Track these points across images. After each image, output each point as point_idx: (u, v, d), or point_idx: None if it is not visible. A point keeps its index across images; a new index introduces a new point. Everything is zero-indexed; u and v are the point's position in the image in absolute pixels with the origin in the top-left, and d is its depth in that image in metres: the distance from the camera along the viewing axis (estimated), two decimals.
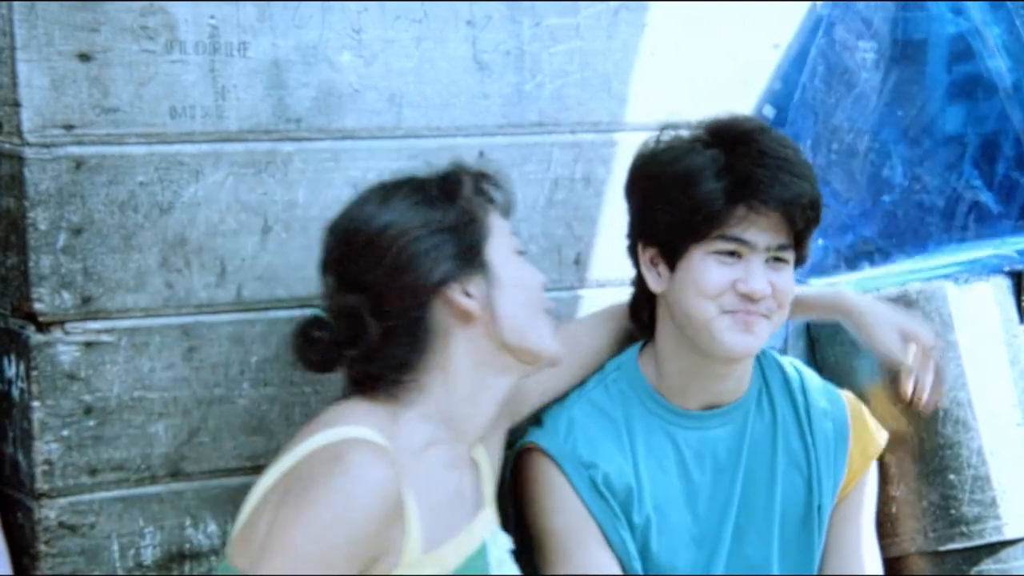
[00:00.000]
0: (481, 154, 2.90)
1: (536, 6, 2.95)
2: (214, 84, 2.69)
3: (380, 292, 2.49)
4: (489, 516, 2.67)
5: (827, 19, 3.27)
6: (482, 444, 2.68)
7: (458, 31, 2.88)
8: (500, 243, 2.57)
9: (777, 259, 2.71)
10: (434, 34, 2.86)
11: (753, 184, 2.65)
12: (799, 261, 2.78)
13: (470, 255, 2.52)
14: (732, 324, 2.69)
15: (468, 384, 2.55)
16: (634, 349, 2.87)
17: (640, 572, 2.75)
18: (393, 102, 2.84)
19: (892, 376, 3.08)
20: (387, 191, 2.56)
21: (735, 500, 2.81)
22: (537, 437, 2.78)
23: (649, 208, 2.74)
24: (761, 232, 2.68)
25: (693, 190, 2.66)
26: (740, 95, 3.22)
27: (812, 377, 2.97)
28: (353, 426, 2.46)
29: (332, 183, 2.80)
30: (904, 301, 3.19)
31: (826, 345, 3.28)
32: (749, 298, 2.67)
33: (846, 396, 2.99)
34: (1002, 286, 3.29)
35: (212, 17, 2.68)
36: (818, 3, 3.27)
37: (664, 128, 2.80)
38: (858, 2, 3.30)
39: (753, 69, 3.23)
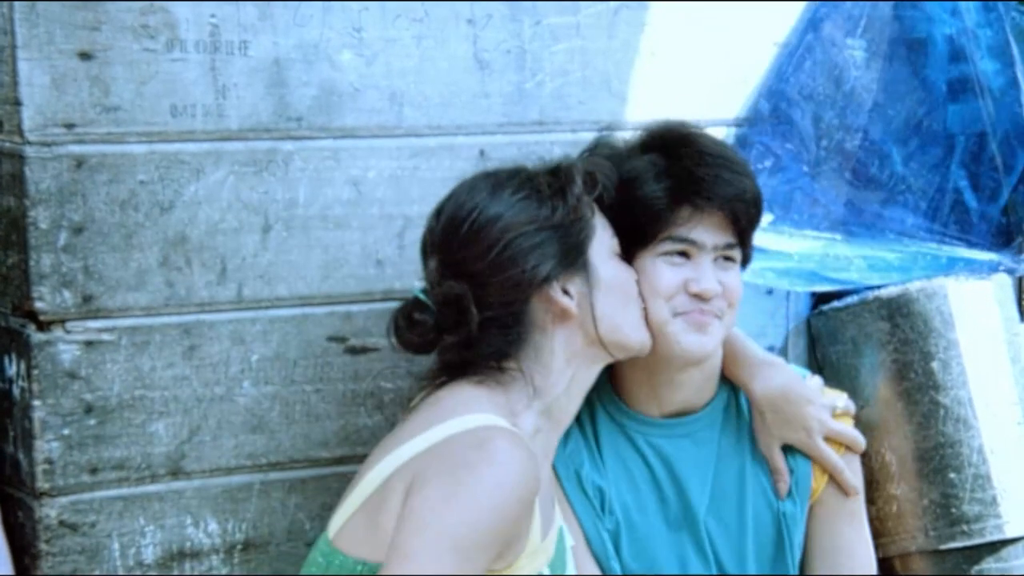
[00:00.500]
0: (482, 153, 2.90)
1: (537, 5, 2.95)
2: (215, 83, 2.69)
3: (483, 282, 2.52)
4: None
5: (818, 16, 3.27)
6: None
7: (459, 30, 2.88)
8: (601, 243, 2.60)
9: (725, 258, 2.73)
10: (435, 33, 2.86)
11: (695, 183, 2.67)
12: (744, 261, 2.79)
13: (573, 255, 2.55)
14: (686, 326, 2.70)
15: (563, 376, 2.58)
16: None
17: (619, 572, 2.76)
18: (394, 101, 2.84)
19: (894, 375, 3.08)
20: (498, 181, 2.58)
21: (704, 508, 2.81)
22: None
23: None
24: (708, 231, 2.69)
25: (637, 194, 2.68)
26: (740, 94, 3.22)
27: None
28: (483, 414, 2.47)
29: (333, 182, 2.80)
30: (904, 299, 3.19)
31: (827, 344, 3.28)
32: (700, 298, 2.69)
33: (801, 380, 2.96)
34: (1003, 284, 3.29)
35: (213, 16, 2.68)
36: (816, 1, 3.27)
37: (598, 140, 2.82)
38: (850, 0, 3.30)
39: (753, 68, 3.23)
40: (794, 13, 3.28)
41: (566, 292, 2.56)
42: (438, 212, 2.60)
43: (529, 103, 2.97)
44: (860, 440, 2.88)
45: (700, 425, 2.82)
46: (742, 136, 3.23)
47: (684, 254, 2.70)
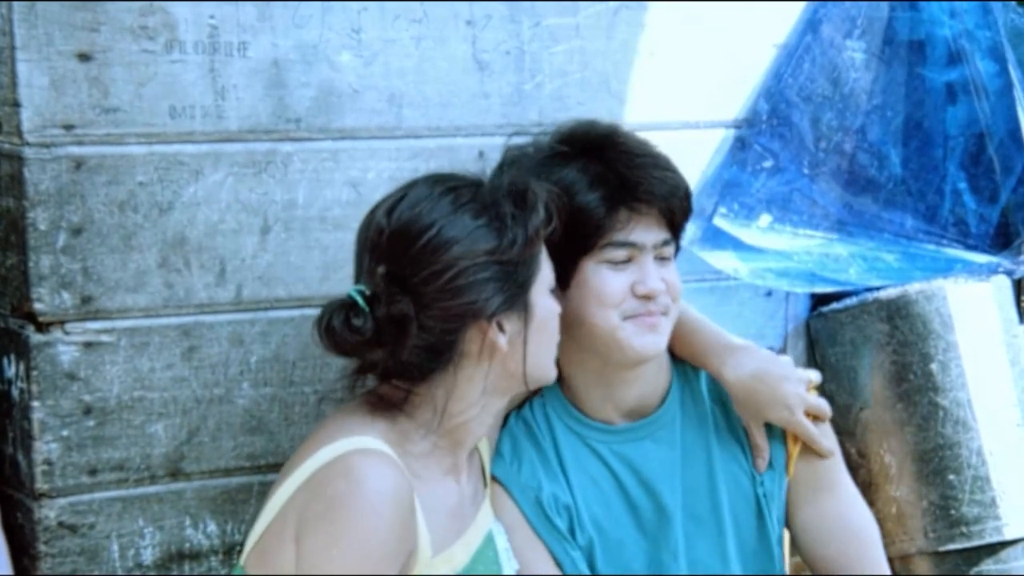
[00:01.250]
0: (481, 154, 2.90)
1: (536, 6, 2.95)
2: (214, 84, 2.69)
3: (426, 304, 2.45)
4: (488, 507, 2.69)
5: (817, 17, 3.28)
6: None
7: (458, 31, 2.88)
8: (543, 280, 2.56)
9: (662, 257, 2.72)
10: (434, 34, 2.86)
11: (631, 186, 2.66)
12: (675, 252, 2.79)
13: (517, 294, 2.51)
14: (636, 328, 2.69)
15: (473, 406, 2.55)
16: None
17: None
18: (393, 102, 2.84)
19: (893, 376, 3.08)
20: (459, 198, 2.50)
21: (679, 509, 2.81)
22: (493, 466, 2.77)
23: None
24: (646, 231, 2.69)
25: (573, 203, 2.64)
26: (738, 95, 3.22)
27: None
28: (355, 436, 2.45)
29: (332, 183, 2.80)
30: (903, 301, 3.19)
31: (826, 346, 3.29)
32: (647, 298, 2.68)
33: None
34: (1002, 286, 3.29)
35: (212, 17, 2.68)
36: (816, 1, 3.27)
37: (508, 146, 2.78)
38: (847, 1, 3.30)
39: (751, 70, 3.24)
40: (793, 14, 3.28)
41: (501, 328, 2.51)
42: (389, 211, 2.51)
43: (528, 104, 2.97)
44: (827, 409, 2.86)
45: (660, 423, 2.81)
46: (741, 137, 3.23)
47: (627, 259, 2.69)
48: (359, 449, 2.42)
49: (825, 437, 2.86)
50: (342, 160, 2.81)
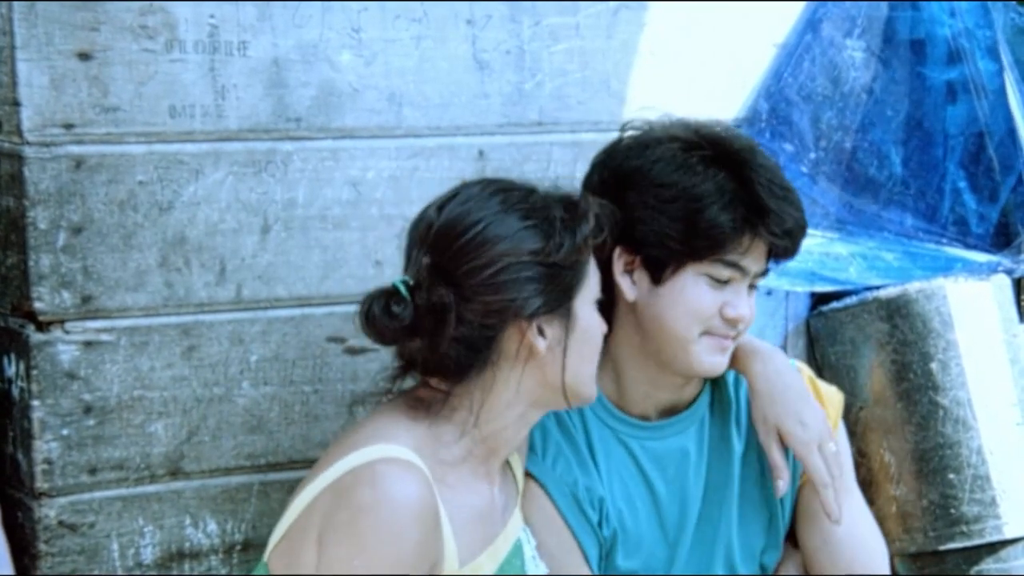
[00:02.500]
0: (481, 153, 2.90)
1: (536, 5, 2.95)
2: (214, 83, 2.69)
3: (468, 297, 2.46)
4: (519, 513, 2.68)
5: (817, 17, 3.28)
6: None
7: (458, 30, 2.88)
8: (588, 290, 2.55)
9: (752, 285, 2.72)
10: (434, 33, 2.86)
11: (764, 215, 2.64)
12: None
13: (560, 298, 2.50)
14: (711, 346, 2.69)
15: (509, 412, 2.54)
16: None
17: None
18: (393, 101, 2.84)
19: (893, 375, 3.08)
20: (509, 199, 2.51)
21: (697, 503, 2.81)
22: (525, 461, 2.77)
23: (641, 218, 2.69)
24: (756, 260, 2.68)
25: (702, 215, 2.63)
26: (739, 95, 3.23)
27: None
28: (384, 444, 2.44)
29: (332, 182, 2.80)
30: (903, 300, 3.19)
31: (826, 345, 3.29)
32: (734, 322, 2.68)
33: (801, 377, 2.88)
34: (1002, 285, 3.29)
35: (212, 16, 2.68)
36: (816, 0, 3.27)
37: (627, 126, 2.76)
38: (848, 1, 3.30)
39: (752, 69, 3.24)
40: (793, 14, 3.28)
41: (541, 332, 2.50)
42: (440, 207, 2.54)
43: (528, 103, 2.97)
44: (827, 477, 2.78)
45: (690, 421, 2.81)
46: None
47: (728, 278, 2.68)
48: (386, 458, 2.42)
49: (841, 447, 2.85)
50: (342, 159, 2.81)
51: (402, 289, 2.48)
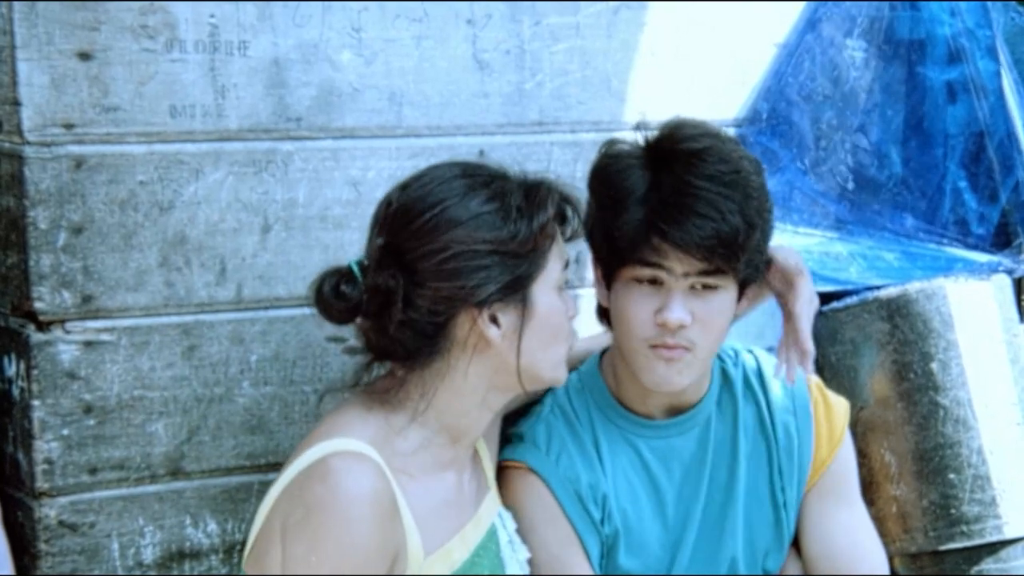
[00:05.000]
0: (481, 153, 2.90)
1: (536, 5, 2.95)
2: (214, 83, 2.69)
3: (419, 282, 2.44)
4: (493, 500, 2.68)
5: (817, 17, 3.28)
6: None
7: (458, 30, 2.89)
8: (548, 275, 2.51)
9: (705, 286, 2.62)
10: (434, 33, 2.86)
11: (667, 219, 2.57)
12: (746, 283, 2.69)
13: (516, 287, 2.48)
14: (654, 358, 2.64)
15: (469, 399, 2.53)
16: (594, 357, 2.85)
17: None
18: (393, 101, 2.84)
19: (893, 375, 3.08)
20: (473, 184, 2.48)
21: (700, 503, 2.80)
22: (522, 455, 2.76)
23: (589, 225, 2.68)
24: (679, 260, 2.60)
25: (620, 216, 2.60)
26: (739, 94, 3.23)
27: (771, 369, 2.88)
28: (337, 438, 2.44)
29: (332, 182, 2.80)
30: (904, 300, 3.19)
31: (826, 345, 3.28)
32: (667, 328, 2.61)
33: (809, 383, 2.89)
34: (1002, 285, 3.29)
35: (212, 16, 2.68)
36: (816, 0, 3.27)
37: (637, 127, 2.74)
38: (848, 0, 3.30)
39: (753, 69, 3.24)
40: (793, 13, 3.28)
41: (495, 320, 2.48)
42: (403, 187, 2.51)
43: (529, 103, 2.97)
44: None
45: (696, 420, 2.81)
46: (741, 136, 3.23)
47: (656, 281, 2.62)
48: (337, 452, 2.41)
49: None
50: (342, 159, 2.81)
51: (355, 269, 2.47)
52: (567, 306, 2.55)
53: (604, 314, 2.78)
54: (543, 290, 2.51)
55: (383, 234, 2.49)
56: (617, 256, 2.64)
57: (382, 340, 2.48)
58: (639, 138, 2.69)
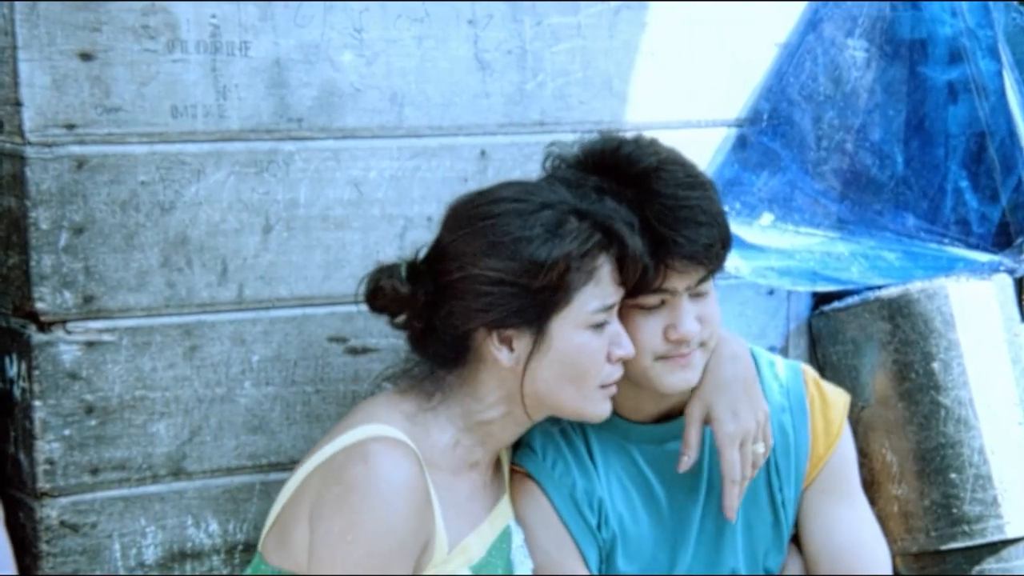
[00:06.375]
0: (483, 153, 2.90)
1: (537, 5, 2.95)
2: (216, 83, 2.69)
3: (442, 292, 2.51)
4: (508, 502, 2.69)
5: (818, 16, 3.28)
6: None
7: (459, 30, 2.88)
8: (576, 312, 2.50)
9: (699, 293, 2.65)
10: (435, 33, 2.86)
11: (664, 245, 2.57)
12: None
13: (532, 317, 2.49)
14: (670, 367, 2.65)
15: (495, 410, 2.56)
16: None
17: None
18: (394, 101, 2.84)
19: (894, 375, 3.08)
20: (537, 206, 2.49)
21: (699, 505, 2.80)
22: (521, 460, 2.76)
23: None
24: (680, 278, 2.61)
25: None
26: (740, 94, 3.22)
27: (767, 367, 2.88)
28: (375, 424, 2.47)
29: (334, 182, 2.80)
30: (905, 299, 3.19)
31: (827, 344, 3.28)
32: (681, 342, 2.63)
33: (806, 380, 2.88)
34: (1004, 285, 3.29)
35: (213, 16, 2.68)
36: (817, 1, 3.27)
37: (548, 154, 2.69)
38: (850, 0, 3.30)
39: (754, 69, 3.23)
40: (794, 13, 3.28)
41: (510, 344, 2.50)
42: (465, 197, 2.58)
43: (530, 103, 2.97)
44: (743, 472, 2.73)
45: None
46: (743, 136, 3.23)
47: (659, 303, 2.62)
48: (378, 436, 2.45)
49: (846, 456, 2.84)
50: (344, 159, 2.81)
51: (403, 271, 2.53)
52: (603, 345, 2.53)
53: None
54: (565, 326, 2.51)
55: (439, 232, 2.57)
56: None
57: (418, 339, 2.55)
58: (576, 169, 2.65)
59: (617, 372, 2.57)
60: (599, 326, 2.53)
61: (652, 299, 2.61)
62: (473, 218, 2.51)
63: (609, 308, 2.53)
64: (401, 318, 2.56)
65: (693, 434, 2.73)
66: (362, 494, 2.39)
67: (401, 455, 2.43)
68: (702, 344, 2.67)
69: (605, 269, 2.52)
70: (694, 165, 2.69)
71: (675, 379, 2.67)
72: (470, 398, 2.55)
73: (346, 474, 2.42)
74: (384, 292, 2.53)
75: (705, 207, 2.61)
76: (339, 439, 2.47)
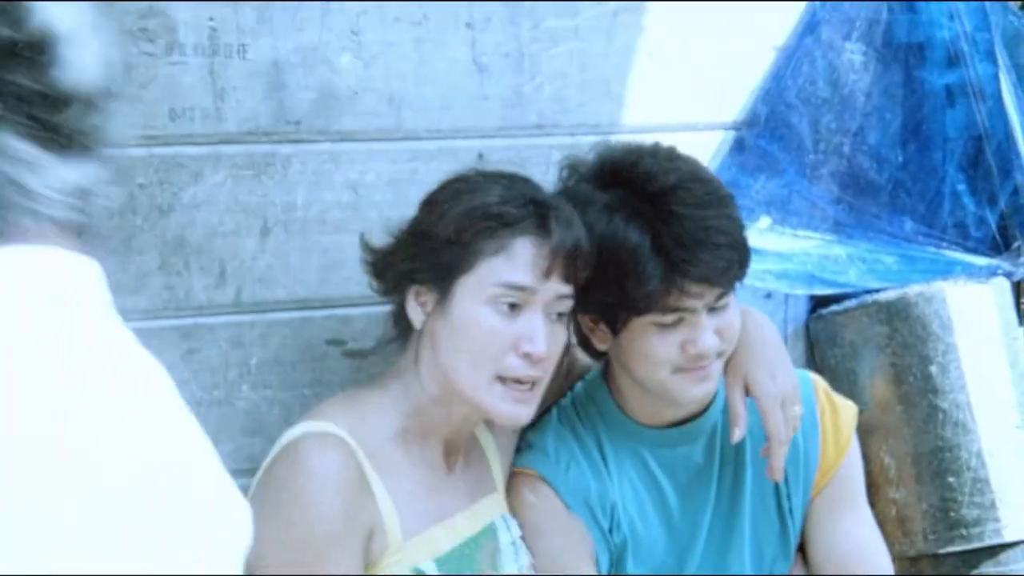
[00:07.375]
0: (480, 156, 2.90)
1: (535, 8, 2.95)
2: (213, 86, 2.69)
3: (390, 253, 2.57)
4: (498, 501, 2.67)
5: (815, 20, 3.28)
6: (488, 429, 2.69)
7: (457, 33, 2.88)
8: (479, 281, 2.45)
9: (713, 308, 2.61)
10: (433, 36, 2.86)
11: (682, 268, 2.54)
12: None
13: (439, 276, 2.47)
14: (688, 379, 2.63)
15: (436, 387, 2.51)
16: (600, 367, 2.82)
17: None
18: (392, 104, 2.84)
19: (892, 378, 3.08)
20: (460, 178, 2.57)
21: (708, 511, 2.80)
22: (532, 462, 2.74)
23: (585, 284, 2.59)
24: (698, 295, 2.58)
25: (633, 277, 2.55)
26: (738, 98, 3.22)
27: None
28: (310, 421, 2.48)
29: (331, 185, 2.80)
30: (903, 303, 3.19)
31: (825, 348, 3.28)
32: (699, 358, 2.60)
33: (816, 389, 2.86)
34: (1002, 288, 3.29)
35: (211, 19, 2.68)
36: (815, 3, 3.27)
37: (564, 165, 2.68)
38: (846, 3, 3.30)
39: (751, 72, 3.23)
40: (792, 16, 3.28)
41: (425, 306, 2.50)
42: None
43: (528, 106, 2.97)
44: (785, 434, 2.71)
45: (702, 428, 2.80)
46: (740, 139, 3.23)
47: (677, 320, 2.59)
48: (307, 433, 2.45)
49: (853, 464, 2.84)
50: (342, 162, 2.81)
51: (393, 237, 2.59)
52: (507, 330, 2.47)
53: (586, 343, 2.73)
54: (467, 295, 2.46)
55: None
56: (634, 310, 2.59)
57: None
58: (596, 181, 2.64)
59: (524, 370, 2.47)
60: (511, 307, 2.45)
61: (668, 317, 2.58)
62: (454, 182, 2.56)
63: (521, 289, 2.45)
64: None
65: (739, 403, 2.70)
66: (291, 492, 2.40)
67: (329, 446, 2.42)
68: (720, 354, 2.65)
69: (524, 249, 2.46)
70: (714, 179, 2.67)
71: (694, 391, 2.65)
72: (413, 377, 2.52)
73: (277, 476, 2.44)
74: (372, 249, 2.59)
75: (723, 227, 2.58)
76: (280, 440, 2.49)
